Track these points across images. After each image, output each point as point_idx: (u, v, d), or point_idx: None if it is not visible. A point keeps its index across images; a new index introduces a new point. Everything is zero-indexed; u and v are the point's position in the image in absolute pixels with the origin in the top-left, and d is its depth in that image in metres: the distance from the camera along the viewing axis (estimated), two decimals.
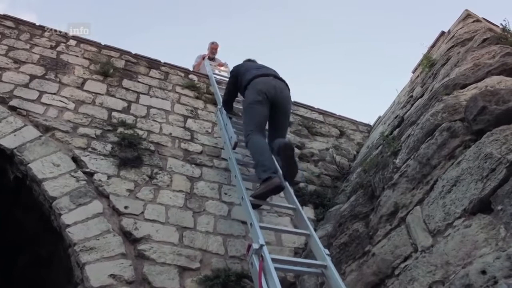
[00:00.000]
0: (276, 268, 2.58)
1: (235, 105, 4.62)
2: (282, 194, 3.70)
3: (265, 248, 2.67)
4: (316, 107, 5.86)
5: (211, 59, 6.87)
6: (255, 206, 3.28)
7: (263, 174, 3.29)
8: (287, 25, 23.06)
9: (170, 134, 4.39)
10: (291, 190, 3.57)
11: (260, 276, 2.50)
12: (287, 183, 3.50)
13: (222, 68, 6.58)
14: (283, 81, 3.98)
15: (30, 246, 3.96)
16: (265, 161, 3.38)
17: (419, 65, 4.86)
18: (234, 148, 3.96)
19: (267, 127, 3.88)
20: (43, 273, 4.05)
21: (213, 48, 7.07)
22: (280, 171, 3.52)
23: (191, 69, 6.05)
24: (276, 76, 3.96)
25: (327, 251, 2.86)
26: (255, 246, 2.69)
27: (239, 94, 4.43)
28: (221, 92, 4.98)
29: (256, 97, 3.71)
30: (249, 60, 4.65)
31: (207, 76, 5.61)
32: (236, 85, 4.19)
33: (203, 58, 6.87)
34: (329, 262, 2.76)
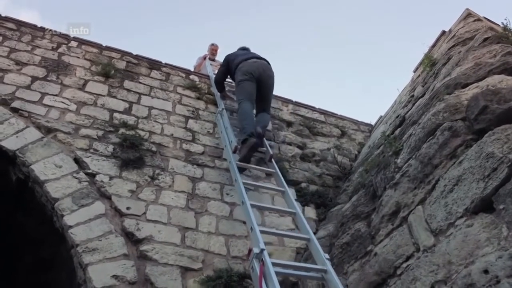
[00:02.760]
0: (276, 272, 2.60)
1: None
2: (282, 198, 3.93)
3: (265, 253, 2.69)
4: (317, 107, 5.87)
5: (211, 60, 6.88)
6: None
7: (243, 136, 4.05)
8: (288, 26, 23.07)
9: (172, 134, 4.40)
10: (291, 194, 3.60)
11: (260, 280, 2.51)
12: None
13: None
14: (266, 60, 4.72)
15: (32, 248, 3.97)
16: (247, 125, 4.13)
17: (420, 64, 4.86)
18: (234, 152, 3.99)
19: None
20: (46, 275, 4.05)
21: (213, 49, 7.09)
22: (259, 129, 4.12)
23: (192, 70, 6.06)
24: (259, 57, 4.72)
25: (327, 256, 2.88)
26: (256, 250, 2.71)
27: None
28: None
29: (243, 77, 4.50)
30: (243, 48, 5.22)
31: (208, 77, 5.62)
32: (228, 69, 4.90)
33: (204, 59, 6.88)
34: (329, 266, 2.78)
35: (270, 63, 4.79)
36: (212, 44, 7.14)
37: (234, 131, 4.31)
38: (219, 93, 5.08)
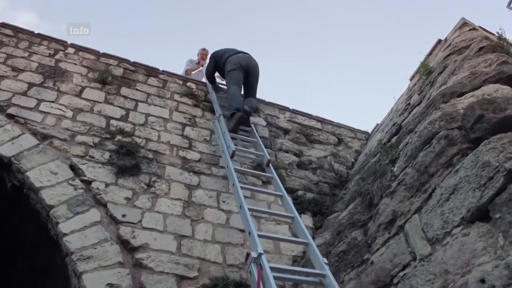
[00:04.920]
0: (274, 277, 2.57)
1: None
2: (279, 202, 3.94)
3: (263, 257, 2.66)
4: (314, 114, 5.88)
5: (202, 65, 6.90)
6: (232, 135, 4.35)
7: (230, 111, 4.67)
8: (284, 34, 23.18)
9: (168, 142, 4.39)
10: (289, 199, 3.59)
11: (258, 285, 2.49)
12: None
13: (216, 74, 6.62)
14: (251, 56, 5.39)
15: (27, 255, 3.94)
16: (234, 102, 4.74)
17: (416, 72, 4.89)
18: (232, 157, 3.99)
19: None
20: (40, 282, 4.02)
21: (204, 54, 7.10)
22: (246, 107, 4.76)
23: (181, 73, 6.11)
24: (245, 53, 5.35)
25: (325, 260, 2.85)
26: (254, 254, 2.68)
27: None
28: (219, 100, 5.02)
29: (232, 67, 5.09)
30: (228, 49, 5.61)
31: (205, 84, 5.63)
32: (216, 65, 5.45)
33: (198, 63, 6.90)
34: (327, 271, 2.75)
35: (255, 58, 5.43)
36: (203, 49, 7.16)
37: (232, 136, 4.33)
38: (215, 95, 5.16)
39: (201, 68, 6.86)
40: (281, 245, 3.83)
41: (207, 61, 7.01)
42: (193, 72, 6.79)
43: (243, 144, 4.62)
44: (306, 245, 3.13)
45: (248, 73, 5.17)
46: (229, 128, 4.42)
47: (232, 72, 5.09)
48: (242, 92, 5.21)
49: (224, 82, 5.53)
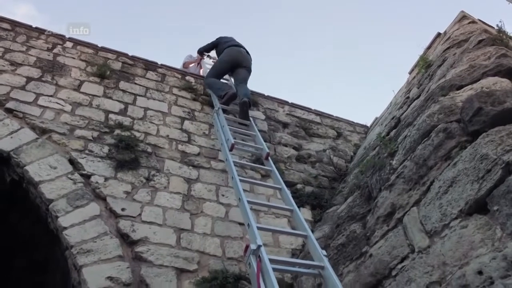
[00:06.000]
0: (273, 269, 2.57)
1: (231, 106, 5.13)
2: (278, 196, 3.95)
3: (262, 249, 2.66)
4: (313, 108, 5.87)
5: (201, 60, 6.87)
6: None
7: (221, 92, 4.95)
8: (283, 30, 23.08)
9: (167, 136, 4.39)
10: (288, 192, 3.59)
11: (258, 276, 2.49)
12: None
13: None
14: (245, 48, 5.66)
15: (26, 248, 3.95)
16: (219, 87, 5.10)
17: (415, 66, 4.88)
18: (231, 150, 3.99)
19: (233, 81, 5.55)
20: (40, 276, 4.03)
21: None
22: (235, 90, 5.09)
23: (179, 67, 6.17)
24: (240, 46, 5.66)
25: (324, 252, 2.85)
26: (253, 246, 2.69)
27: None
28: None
29: (223, 59, 5.51)
30: (232, 39, 5.93)
31: (203, 78, 5.61)
32: (216, 46, 5.89)
33: (200, 59, 6.88)
34: (326, 263, 2.75)
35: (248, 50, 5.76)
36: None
37: (231, 129, 4.33)
38: (211, 89, 5.19)
39: (199, 63, 6.82)
40: (280, 238, 3.84)
41: (207, 61, 7.03)
42: (191, 65, 6.77)
43: (242, 138, 4.62)
44: (305, 237, 3.14)
45: (240, 64, 5.44)
46: (221, 103, 4.82)
47: (219, 65, 5.49)
48: (233, 82, 5.55)
49: (210, 62, 6.16)
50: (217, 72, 5.45)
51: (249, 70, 5.57)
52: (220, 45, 5.81)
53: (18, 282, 4.17)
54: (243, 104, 4.83)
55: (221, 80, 5.51)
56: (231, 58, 5.50)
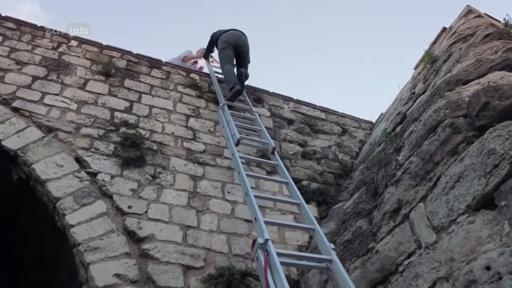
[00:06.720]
0: (281, 263, 2.55)
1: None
2: (284, 192, 4.04)
3: (270, 243, 2.63)
4: (318, 104, 5.86)
5: (199, 58, 6.87)
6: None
7: (230, 85, 5.08)
8: (287, 25, 23.00)
9: (173, 133, 4.40)
10: (295, 186, 3.57)
11: (266, 270, 2.48)
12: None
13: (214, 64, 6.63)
14: (242, 32, 5.79)
15: (34, 246, 3.98)
16: (231, 78, 5.18)
17: (421, 61, 4.85)
18: (237, 145, 3.98)
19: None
20: (47, 274, 4.06)
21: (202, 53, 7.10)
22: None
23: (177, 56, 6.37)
24: (235, 30, 5.76)
25: (332, 245, 2.82)
26: (260, 240, 2.66)
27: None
28: (223, 91, 5.02)
29: (223, 45, 5.58)
30: (224, 29, 5.97)
31: (208, 75, 5.62)
32: (212, 42, 5.98)
33: (201, 54, 6.88)
34: (334, 256, 2.72)
35: (246, 35, 5.90)
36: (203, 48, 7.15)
37: (236, 125, 4.34)
38: (218, 86, 5.21)
39: (198, 61, 6.81)
40: (286, 234, 3.85)
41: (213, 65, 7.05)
42: (189, 61, 6.76)
43: (247, 133, 4.62)
44: (313, 230, 3.10)
45: (238, 48, 5.62)
46: (226, 98, 4.90)
47: (224, 51, 5.57)
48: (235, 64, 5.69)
49: (218, 65, 5.95)
50: (227, 59, 5.53)
51: (248, 53, 5.77)
52: (216, 38, 5.90)
53: (26, 279, 4.21)
54: (235, 93, 5.01)
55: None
56: (229, 40, 5.60)
